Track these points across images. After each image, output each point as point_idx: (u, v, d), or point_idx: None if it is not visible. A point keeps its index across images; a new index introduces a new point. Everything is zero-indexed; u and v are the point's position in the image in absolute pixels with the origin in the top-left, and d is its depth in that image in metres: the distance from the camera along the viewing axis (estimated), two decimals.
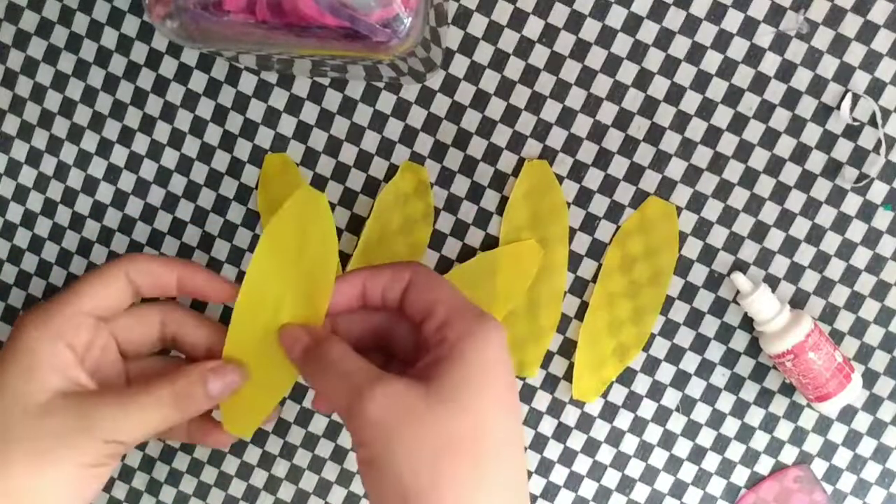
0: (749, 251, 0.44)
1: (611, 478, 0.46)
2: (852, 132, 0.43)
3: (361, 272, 0.38)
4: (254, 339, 0.38)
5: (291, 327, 0.37)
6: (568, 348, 0.46)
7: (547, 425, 0.46)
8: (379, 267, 0.38)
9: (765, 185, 0.44)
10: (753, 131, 0.43)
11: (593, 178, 0.44)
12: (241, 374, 0.38)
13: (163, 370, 0.39)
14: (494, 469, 0.32)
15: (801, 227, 0.44)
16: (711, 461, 0.46)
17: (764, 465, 0.46)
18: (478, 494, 0.32)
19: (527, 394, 0.46)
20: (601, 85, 0.43)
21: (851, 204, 0.43)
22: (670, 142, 0.44)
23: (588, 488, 0.47)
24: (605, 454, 0.46)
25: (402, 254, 0.45)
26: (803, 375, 0.42)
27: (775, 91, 0.43)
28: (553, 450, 0.46)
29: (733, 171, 0.44)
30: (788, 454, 0.46)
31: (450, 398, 0.32)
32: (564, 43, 0.43)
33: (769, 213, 0.44)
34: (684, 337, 0.45)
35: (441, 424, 0.32)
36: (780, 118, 0.43)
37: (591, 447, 0.46)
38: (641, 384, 0.46)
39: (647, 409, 0.46)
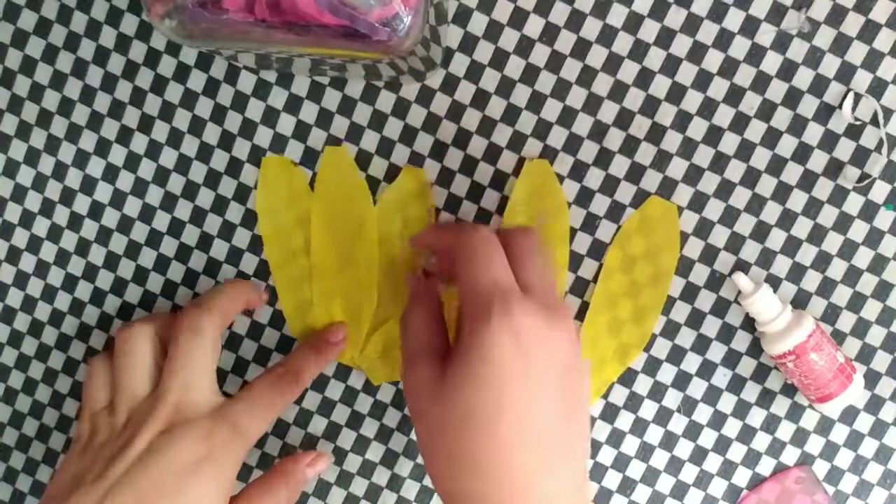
0: (750, 251, 0.44)
1: (611, 479, 0.46)
2: (854, 132, 0.43)
3: (434, 233, 0.43)
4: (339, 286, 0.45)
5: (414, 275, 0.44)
6: None
7: None
8: (446, 228, 0.43)
9: (766, 185, 0.43)
10: (755, 131, 0.43)
11: (594, 178, 0.44)
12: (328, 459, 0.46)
13: None
14: (488, 441, 0.35)
15: (802, 227, 0.44)
16: (713, 462, 0.46)
17: (765, 466, 0.46)
18: (462, 477, 0.35)
19: None
20: (602, 84, 0.43)
21: (853, 204, 0.43)
22: (671, 141, 0.43)
23: (589, 488, 0.46)
24: (606, 455, 0.46)
25: (403, 257, 0.45)
26: (805, 376, 0.42)
27: (777, 90, 0.43)
28: None
29: (735, 170, 0.43)
30: (790, 455, 0.45)
31: (452, 388, 0.36)
32: (565, 42, 0.43)
33: (771, 212, 0.44)
34: (685, 337, 0.45)
35: (445, 406, 0.36)
36: (782, 117, 0.43)
37: (591, 447, 0.46)
38: (642, 385, 0.45)
39: (649, 409, 0.46)
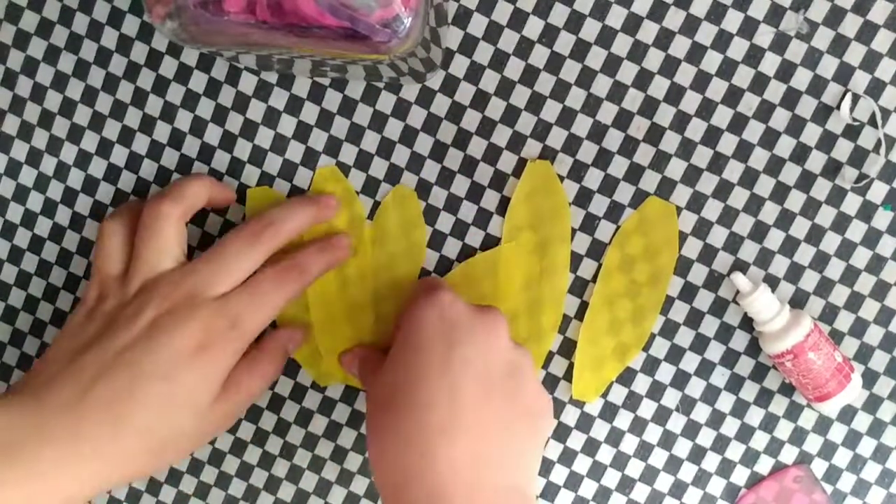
0: (749, 251, 0.44)
1: (611, 478, 0.46)
2: (852, 132, 0.43)
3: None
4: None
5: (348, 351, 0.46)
6: (568, 348, 0.46)
7: None
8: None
9: (765, 185, 0.44)
10: (753, 131, 0.43)
11: (593, 178, 0.44)
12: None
13: None
14: (405, 415, 0.37)
15: (800, 227, 0.44)
16: (711, 461, 0.46)
17: (764, 464, 0.46)
18: (391, 437, 0.37)
19: None
20: (601, 85, 0.43)
21: (851, 204, 0.43)
22: (670, 142, 0.44)
23: (588, 488, 0.47)
24: (605, 454, 0.46)
25: (391, 265, 0.46)
26: (803, 375, 0.42)
27: (775, 91, 0.43)
28: (553, 450, 0.46)
29: (733, 171, 0.44)
30: (788, 454, 0.46)
31: (384, 368, 0.39)
32: (564, 43, 0.43)
33: (769, 213, 0.44)
34: (684, 337, 0.45)
35: (379, 383, 0.39)
36: (780, 118, 0.43)
37: (590, 447, 0.46)
38: (641, 384, 0.46)
39: (647, 408, 0.46)
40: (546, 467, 0.47)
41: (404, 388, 0.37)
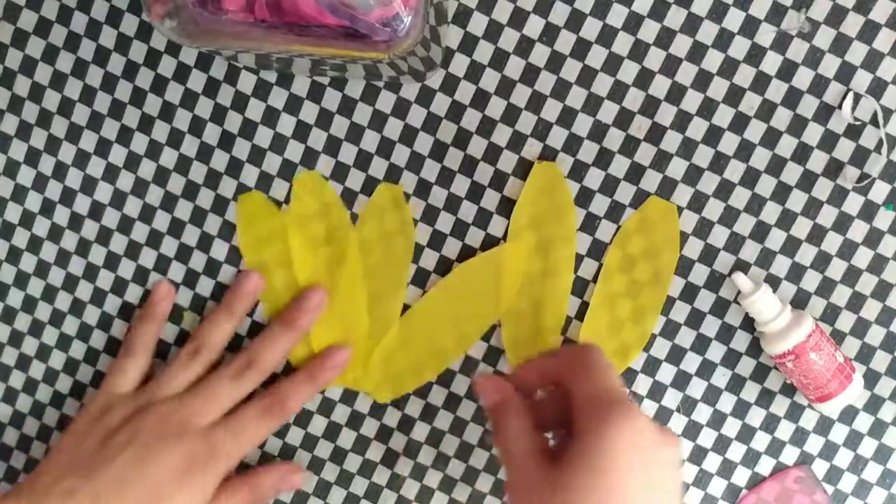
0: (750, 251, 0.44)
1: None
2: (854, 132, 0.43)
3: (541, 360, 0.41)
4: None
5: (492, 379, 0.41)
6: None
7: None
8: (554, 353, 0.42)
9: (766, 185, 0.43)
10: (755, 131, 0.43)
11: (594, 178, 0.44)
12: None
13: None
14: None
15: (802, 227, 0.44)
16: (712, 462, 0.46)
17: (765, 465, 0.46)
18: None
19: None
20: (602, 84, 0.43)
21: (853, 204, 0.43)
22: (671, 141, 0.43)
23: None
24: None
25: (382, 264, 0.46)
26: (804, 376, 0.42)
27: (777, 90, 0.43)
28: None
29: (734, 170, 0.43)
30: (789, 455, 0.45)
31: (569, 486, 0.35)
32: (565, 42, 0.43)
33: (770, 212, 0.44)
34: (685, 337, 0.45)
35: (555, 486, 0.35)
36: (782, 118, 0.43)
37: None
38: (642, 384, 0.45)
39: (648, 409, 0.46)
40: None
41: None
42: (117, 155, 0.46)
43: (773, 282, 0.44)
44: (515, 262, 0.45)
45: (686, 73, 0.43)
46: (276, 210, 0.46)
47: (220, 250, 0.47)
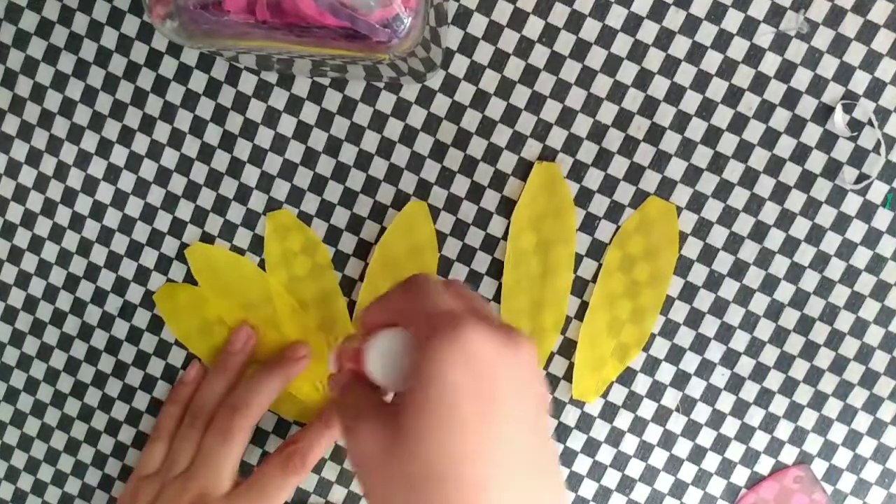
0: (749, 251, 0.44)
1: (611, 478, 0.46)
2: (852, 132, 0.43)
3: (378, 301, 0.35)
4: None
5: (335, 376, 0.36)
6: (568, 348, 0.46)
7: None
8: (390, 292, 0.35)
9: (765, 185, 0.44)
10: (753, 131, 0.43)
11: (593, 178, 0.44)
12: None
13: None
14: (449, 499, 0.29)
15: (801, 227, 0.44)
16: (711, 461, 0.46)
17: (764, 465, 0.46)
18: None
19: None
20: (601, 85, 0.43)
21: (851, 204, 0.43)
22: (670, 142, 0.44)
23: (588, 488, 0.47)
24: (605, 454, 0.46)
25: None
26: None
27: (775, 91, 0.43)
28: None
29: (733, 170, 0.44)
30: (788, 454, 0.46)
31: (407, 436, 0.29)
32: (564, 43, 0.43)
33: (769, 213, 0.44)
34: (684, 337, 0.45)
35: (400, 465, 0.30)
36: (780, 118, 0.43)
37: (591, 447, 0.46)
38: (641, 384, 0.46)
39: (647, 409, 0.46)
40: None
41: (440, 470, 0.29)
42: (118, 155, 0.47)
43: (772, 281, 0.44)
44: (421, 216, 0.45)
45: (685, 74, 0.43)
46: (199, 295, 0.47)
47: None
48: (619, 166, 0.44)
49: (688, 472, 0.46)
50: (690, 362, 0.45)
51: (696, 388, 0.45)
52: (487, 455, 0.29)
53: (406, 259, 0.45)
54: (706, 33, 0.42)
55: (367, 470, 0.31)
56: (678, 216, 0.44)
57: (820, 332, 0.44)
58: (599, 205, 0.44)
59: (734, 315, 0.45)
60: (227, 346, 0.46)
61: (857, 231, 0.43)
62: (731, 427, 0.46)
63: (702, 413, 0.46)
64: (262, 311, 0.46)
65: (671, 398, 0.46)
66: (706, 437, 0.46)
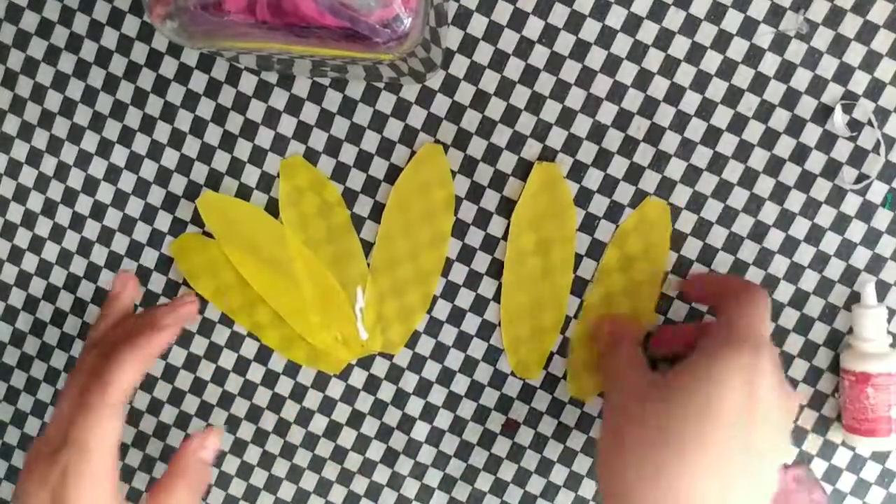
0: (748, 251, 0.44)
1: None
2: (851, 133, 0.43)
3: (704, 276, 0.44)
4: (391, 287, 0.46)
5: (612, 317, 0.44)
6: (568, 348, 0.46)
7: (547, 425, 0.46)
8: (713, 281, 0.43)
9: (764, 186, 0.44)
10: (753, 131, 0.43)
11: (593, 178, 0.44)
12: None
13: None
14: (700, 459, 0.34)
15: (800, 228, 0.44)
16: None
17: None
18: (680, 482, 0.34)
19: (527, 394, 0.46)
20: (601, 85, 0.43)
21: (851, 204, 0.43)
22: (670, 142, 0.44)
23: (588, 488, 0.47)
24: None
25: (425, 244, 0.45)
26: (849, 400, 0.42)
27: (775, 91, 0.43)
28: (553, 450, 0.46)
29: (733, 171, 0.44)
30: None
31: (669, 398, 0.36)
32: (564, 43, 0.43)
33: (769, 213, 0.44)
34: None
35: (655, 410, 0.36)
36: (780, 118, 0.43)
37: (591, 447, 0.46)
38: None
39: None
40: (546, 467, 0.47)
41: (688, 450, 0.35)
42: (119, 155, 0.47)
43: (772, 281, 0.44)
44: (436, 160, 0.45)
45: (685, 74, 0.43)
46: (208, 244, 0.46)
47: None
48: (618, 166, 0.44)
49: None
50: None
51: None
52: (732, 465, 0.35)
53: (420, 196, 0.45)
54: (706, 33, 0.42)
55: (626, 421, 0.37)
56: (678, 216, 0.44)
57: (820, 332, 0.44)
58: (599, 205, 0.44)
59: None
60: (110, 292, 0.45)
61: (856, 231, 0.43)
62: None
63: None
64: (277, 260, 0.46)
65: None
66: None
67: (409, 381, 0.47)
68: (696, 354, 0.37)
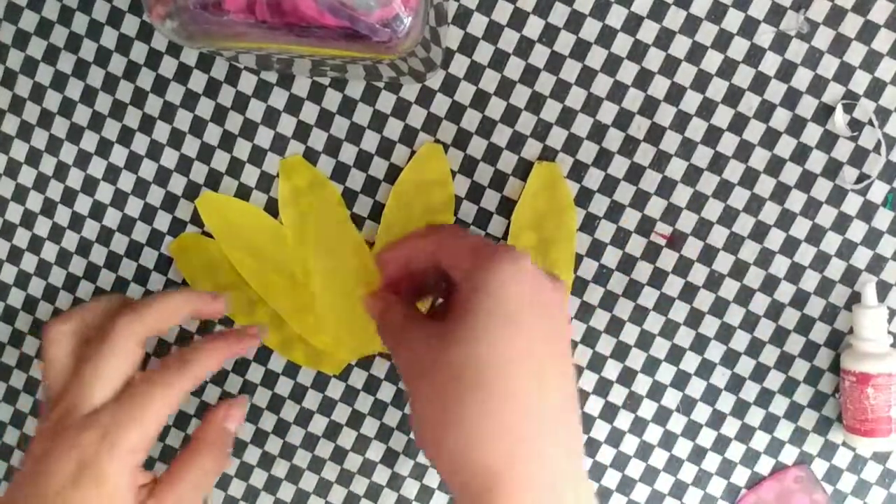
0: (749, 251, 0.44)
1: (611, 478, 0.46)
2: (852, 132, 0.43)
3: (403, 242, 0.40)
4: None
5: (373, 295, 0.40)
6: None
7: None
8: (414, 234, 0.40)
9: (765, 186, 0.43)
10: (754, 131, 0.43)
11: (593, 178, 0.44)
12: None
13: None
14: (500, 397, 0.33)
15: (801, 227, 0.44)
16: (711, 461, 0.46)
17: (764, 465, 0.46)
18: (484, 420, 0.33)
19: None
20: (601, 85, 0.43)
21: (852, 204, 0.43)
22: (670, 142, 0.44)
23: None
24: (606, 454, 0.46)
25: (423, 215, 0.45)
26: (849, 400, 0.42)
27: (776, 91, 0.43)
28: None
29: (733, 171, 0.44)
30: (788, 454, 0.46)
31: (459, 341, 0.34)
32: (564, 42, 0.43)
33: (769, 213, 0.44)
34: (684, 337, 0.45)
35: (449, 368, 0.34)
36: (781, 118, 0.43)
37: (591, 447, 0.46)
38: (641, 385, 0.46)
39: (648, 409, 0.46)
40: None
41: (495, 368, 0.33)
42: (118, 155, 0.47)
43: (773, 282, 0.44)
44: (436, 159, 0.44)
45: (685, 74, 0.43)
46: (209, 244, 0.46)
47: None
48: (619, 166, 0.44)
49: (688, 472, 0.46)
50: (690, 362, 0.45)
51: (696, 388, 0.45)
52: (533, 356, 0.34)
53: (420, 196, 0.45)
54: (706, 33, 0.42)
55: (416, 378, 0.35)
56: (678, 216, 0.44)
57: (820, 332, 0.44)
58: (599, 205, 0.44)
59: (734, 315, 0.45)
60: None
61: (857, 231, 0.43)
62: (731, 427, 0.46)
63: (702, 413, 0.46)
64: (274, 259, 0.46)
65: (671, 398, 0.46)
66: (706, 438, 0.46)
67: None
68: (459, 288, 0.35)
